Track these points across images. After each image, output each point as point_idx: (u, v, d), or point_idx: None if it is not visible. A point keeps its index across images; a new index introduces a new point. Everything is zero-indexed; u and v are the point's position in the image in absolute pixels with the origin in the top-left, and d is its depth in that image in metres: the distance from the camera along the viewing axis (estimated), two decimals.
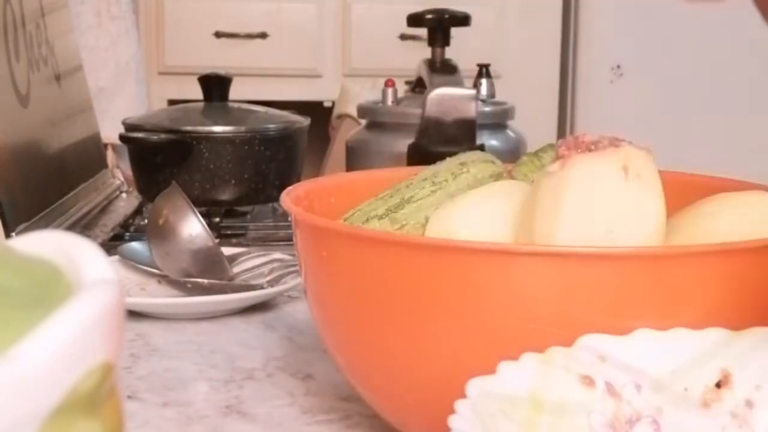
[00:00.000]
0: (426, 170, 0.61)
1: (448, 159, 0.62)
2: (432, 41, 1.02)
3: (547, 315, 0.42)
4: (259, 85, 2.45)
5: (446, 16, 1.03)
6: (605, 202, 0.47)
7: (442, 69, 1.00)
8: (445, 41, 1.02)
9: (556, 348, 0.41)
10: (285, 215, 0.97)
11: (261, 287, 0.80)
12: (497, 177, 0.62)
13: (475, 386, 0.40)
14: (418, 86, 1.05)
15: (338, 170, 1.44)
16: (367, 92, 1.85)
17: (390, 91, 1.05)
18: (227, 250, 0.87)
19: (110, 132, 1.27)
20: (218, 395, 0.62)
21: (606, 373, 0.41)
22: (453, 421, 0.39)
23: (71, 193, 1.05)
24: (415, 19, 1.03)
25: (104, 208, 1.13)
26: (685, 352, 0.42)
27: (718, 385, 0.42)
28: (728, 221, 0.50)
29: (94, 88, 1.40)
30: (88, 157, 1.18)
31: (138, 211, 1.15)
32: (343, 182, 0.66)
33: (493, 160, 0.63)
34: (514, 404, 0.40)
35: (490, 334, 0.44)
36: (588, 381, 0.41)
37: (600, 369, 0.41)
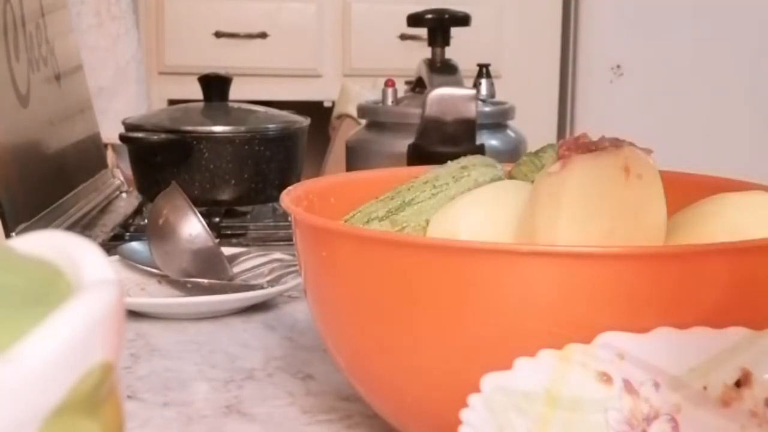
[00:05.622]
0: (427, 173, 0.61)
1: (449, 162, 0.62)
2: (432, 41, 1.02)
3: (546, 315, 0.42)
4: (259, 85, 2.45)
5: (446, 16, 1.03)
6: (606, 203, 0.47)
7: (442, 69, 1.00)
8: (445, 41, 1.02)
9: (574, 345, 0.41)
10: (285, 215, 0.97)
11: (261, 287, 0.80)
12: (498, 181, 0.62)
13: (489, 381, 0.40)
14: (418, 86, 1.05)
15: (338, 170, 1.44)
16: (367, 92, 1.85)
17: (390, 91, 1.05)
18: (227, 250, 0.87)
19: (110, 132, 1.27)
20: (218, 395, 0.62)
21: (624, 370, 0.41)
22: (464, 414, 0.39)
23: (71, 193, 1.05)
24: (415, 19, 1.03)
25: (104, 208, 1.13)
26: (705, 350, 0.41)
27: (738, 384, 0.42)
28: (729, 221, 0.50)
29: (94, 88, 1.40)
30: (88, 157, 1.18)
31: (138, 211, 1.15)
32: (343, 182, 0.66)
33: (494, 164, 0.63)
34: (528, 400, 0.40)
35: (489, 334, 0.43)
36: (605, 378, 0.41)
37: (618, 366, 0.41)
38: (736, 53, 2.58)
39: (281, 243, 0.99)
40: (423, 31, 1.04)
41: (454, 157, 0.64)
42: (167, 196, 0.85)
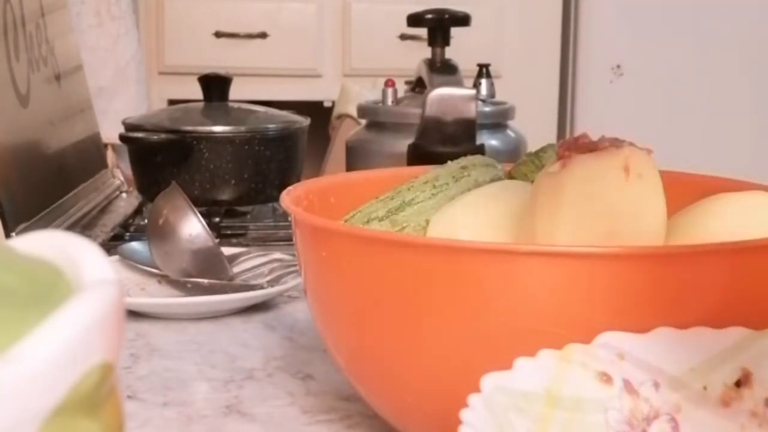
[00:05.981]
0: (427, 173, 0.61)
1: (449, 162, 0.62)
2: (432, 41, 1.02)
3: (546, 315, 0.42)
4: (259, 85, 2.45)
5: (446, 16, 1.03)
6: (606, 203, 0.47)
7: (442, 69, 1.00)
8: (445, 41, 1.02)
9: (574, 345, 0.41)
10: (285, 215, 0.97)
11: (261, 287, 0.80)
12: (498, 181, 0.62)
13: (489, 381, 0.40)
14: (418, 86, 1.05)
15: (338, 170, 1.44)
16: (367, 92, 1.85)
17: (390, 91, 1.05)
18: (227, 250, 0.87)
19: (110, 132, 1.27)
20: (218, 395, 0.62)
21: (624, 370, 0.41)
22: (464, 414, 0.39)
23: (71, 193, 1.05)
24: (415, 19, 1.03)
25: (104, 208, 1.13)
26: (705, 350, 0.42)
27: (738, 384, 0.42)
28: (729, 221, 0.50)
29: (94, 88, 1.40)
30: (88, 157, 1.18)
31: (138, 211, 1.15)
32: (343, 182, 0.66)
33: (494, 164, 0.63)
34: (528, 400, 0.40)
35: (489, 334, 0.43)
36: (605, 378, 0.41)
37: (618, 366, 0.41)
38: (736, 53, 2.58)
39: (281, 243, 0.99)
40: (423, 31, 1.03)
41: (454, 157, 0.64)
42: (167, 196, 0.85)
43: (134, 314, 0.76)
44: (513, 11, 2.63)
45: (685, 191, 0.56)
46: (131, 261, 0.86)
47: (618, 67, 2.59)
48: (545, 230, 0.47)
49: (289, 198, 0.54)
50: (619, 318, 0.42)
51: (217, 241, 0.86)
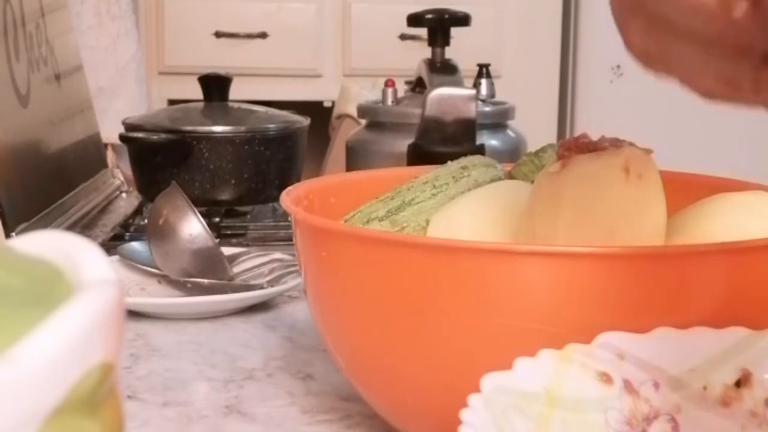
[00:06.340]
0: (427, 173, 0.61)
1: (449, 162, 0.62)
2: (432, 41, 1.02)
3: (546, 315, 0.42)
4: (259, 85, 2.45)
5: (446, 16, 1.03)
6: (606, 203, 0.47)
7: (442, 69, 1.00)
8: (445, 41, 1.02)
9: (574, 345, 0.41)
10: (285, 215, 0.97)
11: (261, 287, 0.80)
12: (498, 181, 0.62)
13: (488, 381, 0.40)
14: (418, 86, 1.05)
15: (338, 170, 1.44)
16: (367, 92, 1.85)
17: (390, 91, 1.05)
18: (227, 250, 0.87)
19: (110, 132, 1.27)
20: (218, 395, 0.62)
21: (624, 370, 0.41)
22: (464, 414, 0.39)
23: (71, 193, 1.05)
24: (415, 19, 1.03)
25: (104, 208, 1.13)
26: (705, 350, 0.42)
27: (738, 384, 0.42)
28: (729, 221, 0.50)
29: (94, 88, 1.40)
30: (88, 157, 1.18)
31: (138, 211, 1.15)
32: (343, 182, 0.66)
33: (494, 164, 0.64)
34: (528, 400, 0.40)
35: (489, 334, 0.44)
36: (605, 378, 0.41)
37: (618, 366, 0.41)
38: None
39: (281, 243, 0.99)
40: (423, 31, 1.03)
41: (454, 157, 0.64)
42: (167, 196, 0.85)
43: (134, 314, 0.76)
44: (513, 11, 2.63)
45: (685, 191, 0.56)
46: (131, 261, 0.86)
47: (618, 67, 2.59)
48: (545, 230, 0.47)
49: (289, 198, 0.54)
50: (618, 318, 0.42)
51: (217, 241, 0.86)
